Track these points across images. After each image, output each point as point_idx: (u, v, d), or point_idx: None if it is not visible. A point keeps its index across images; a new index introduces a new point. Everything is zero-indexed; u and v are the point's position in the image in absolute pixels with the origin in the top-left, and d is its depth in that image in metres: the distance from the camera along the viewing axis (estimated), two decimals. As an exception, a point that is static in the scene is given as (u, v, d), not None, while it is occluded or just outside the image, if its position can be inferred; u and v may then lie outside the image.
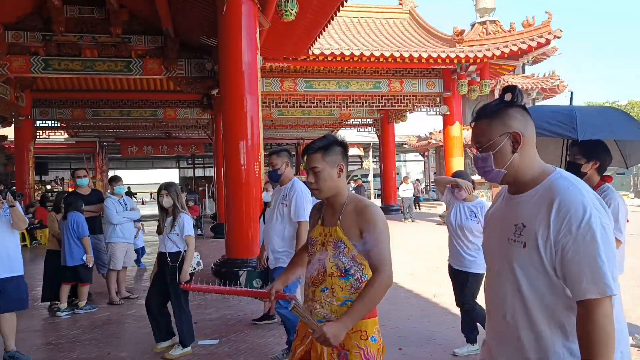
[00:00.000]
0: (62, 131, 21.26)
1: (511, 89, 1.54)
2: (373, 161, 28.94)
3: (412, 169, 39.97)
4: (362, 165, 35.47)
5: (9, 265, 4.24)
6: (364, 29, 15.33)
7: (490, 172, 1.54)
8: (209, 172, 34.39)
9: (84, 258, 5.79)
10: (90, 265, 5.92)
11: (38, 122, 16.93)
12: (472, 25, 22.44)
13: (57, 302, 5.90)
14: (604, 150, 3.14)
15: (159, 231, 4.46)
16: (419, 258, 9.28)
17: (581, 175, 2.99)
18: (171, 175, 36.04)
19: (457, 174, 4.26)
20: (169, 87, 17.03)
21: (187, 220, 4.36)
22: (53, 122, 18.15)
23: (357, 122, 20.70)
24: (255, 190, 6.78)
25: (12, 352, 4.29)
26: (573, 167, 3.03)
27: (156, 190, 4.56)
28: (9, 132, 17.26)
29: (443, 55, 12.36)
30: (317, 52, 11.63)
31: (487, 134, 1.53)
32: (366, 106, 14.34)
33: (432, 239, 11.71)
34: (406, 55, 12.22)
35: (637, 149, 3.47)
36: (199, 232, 15.84)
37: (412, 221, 16.18)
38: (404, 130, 37.00)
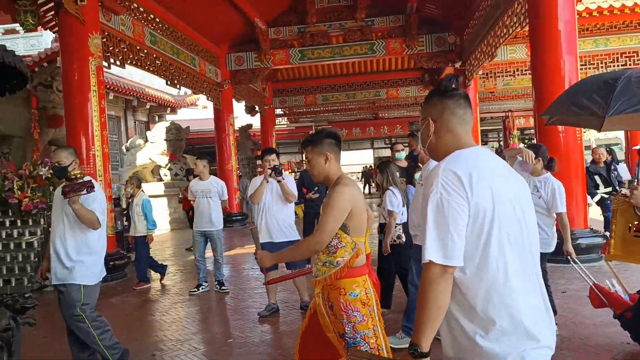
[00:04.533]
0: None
1: None
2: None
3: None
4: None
5: (280, 231, 4.76)
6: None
7: None
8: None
9: None
10: None
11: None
12: None
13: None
14: None
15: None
16: None
17: None
18: (366, 156, 37.20)
19: (531, 147, 4.04)
20: (390, 67, 17.33)
21: (389, 196, 4.56)
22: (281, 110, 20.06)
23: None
24: (576, 156, 6.37)
25: (306, 303, 4.81)
26: None
27: (352, 172, 4.80)
28: (249, 120, 19.59)
29: None
30: (580, 7, 10.43)
31: None
32: (629, 65, 12.53)
33: None
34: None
35: None
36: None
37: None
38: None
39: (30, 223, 6.48)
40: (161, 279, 6.90)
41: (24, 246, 6.37)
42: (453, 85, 1.63)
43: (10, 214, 6.46)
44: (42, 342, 4.42)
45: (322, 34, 12.59)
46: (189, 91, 19.05)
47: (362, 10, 12.17)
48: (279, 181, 4.71)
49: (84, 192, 3.17)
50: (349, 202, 2.34)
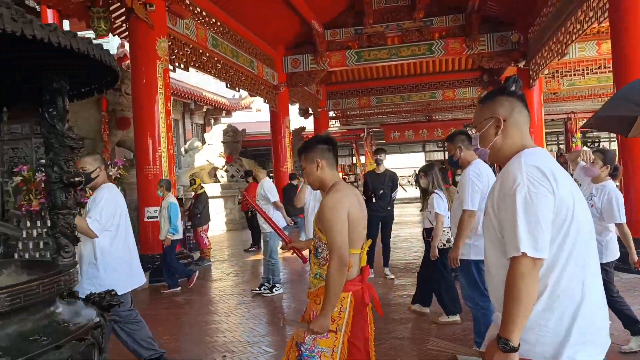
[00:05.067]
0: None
1: None
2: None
3: None
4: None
5: None
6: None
7: None
8: (457, 154, 33.64)
9: None
10: None
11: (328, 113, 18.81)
12: None
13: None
14: None
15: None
16: None
17: None
18: (417, 159, 36.56)
19: (597, 152, 3.86)
20: (447, 67, 16.90)
21: (436, 199, 4.50)
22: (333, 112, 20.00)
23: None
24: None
25: None
26: None
27: (402, 175, 4.73)
28: (302, 122, 19.64)
29: None
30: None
31: None
32: None
33: None
34: None
35: None
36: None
37: None
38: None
39: (101, 221, 6.71)
40: (164, 288, 6.54)
41: (95, 244, 6.61)
42: (517, 88, 1.70)
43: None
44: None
45: (379, 35, 12.42)
46: (244, 94, 19.39)
47: (420, 10, 11.91)
48: None
49: None
50: (343, 205, 2.19)
